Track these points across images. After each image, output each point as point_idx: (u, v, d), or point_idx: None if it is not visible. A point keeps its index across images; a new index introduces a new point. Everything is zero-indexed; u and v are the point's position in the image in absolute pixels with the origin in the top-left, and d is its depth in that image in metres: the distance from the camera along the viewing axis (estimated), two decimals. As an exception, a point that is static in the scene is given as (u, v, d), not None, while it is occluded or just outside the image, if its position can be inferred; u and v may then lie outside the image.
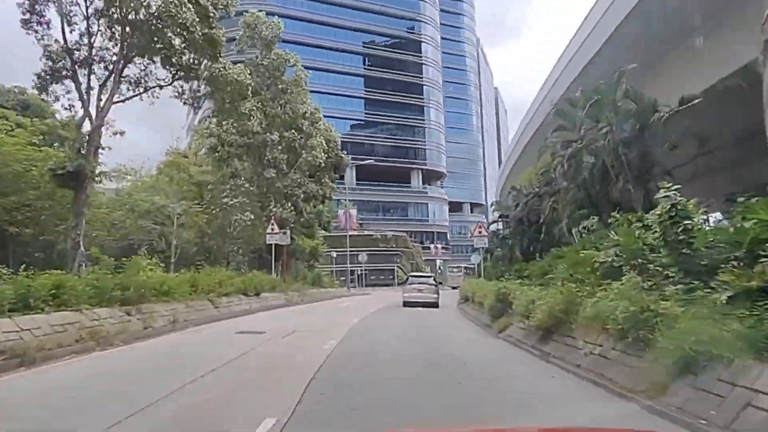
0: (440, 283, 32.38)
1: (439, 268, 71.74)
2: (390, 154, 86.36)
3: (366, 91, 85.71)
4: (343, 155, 31.19)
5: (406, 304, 23.81)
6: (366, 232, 68.89)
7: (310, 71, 33.94)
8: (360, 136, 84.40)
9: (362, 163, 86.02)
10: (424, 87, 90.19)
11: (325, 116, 32.13)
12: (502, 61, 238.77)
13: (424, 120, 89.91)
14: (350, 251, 48.01)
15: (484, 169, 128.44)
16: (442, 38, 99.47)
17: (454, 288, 44.66)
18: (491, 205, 65.21)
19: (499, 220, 37.92)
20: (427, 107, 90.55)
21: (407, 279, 28.79)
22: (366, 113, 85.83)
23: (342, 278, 57.89)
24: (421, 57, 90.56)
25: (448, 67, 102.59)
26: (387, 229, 73.89)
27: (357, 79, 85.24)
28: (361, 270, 52.86)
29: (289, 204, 28.68)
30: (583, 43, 23.77)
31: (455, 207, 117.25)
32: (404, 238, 71.14)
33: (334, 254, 48.94)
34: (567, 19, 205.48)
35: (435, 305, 23.77)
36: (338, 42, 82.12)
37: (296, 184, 29.02)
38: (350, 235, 64.80)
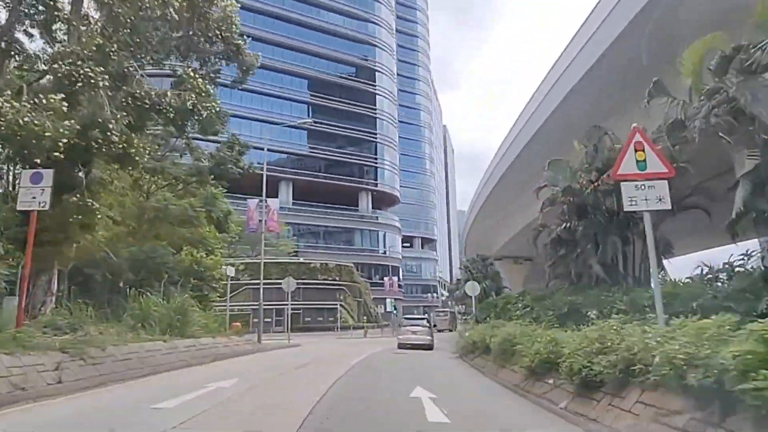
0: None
1: (394, 309, 56.79)
2: (336, 171, 72.28)
3: (312, 95, 71.93)
4: (246, 48, 15.25)
5: (400, 346, 24.75)
6: (301, 260, 53.42)
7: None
8: (301, 147, 69.88)
9: (300, 178, 71.66)
10: (377, 96, 77.62)
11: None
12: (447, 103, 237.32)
13: (376, 135, 76.86)
14: (266, 283, 32.50)
15: (447, 209, 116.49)
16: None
17: (440, 331, 40.63)
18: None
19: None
20: (380, 119, 77.76)
21: (402, 322, 30.49)
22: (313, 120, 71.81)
23: (266, 320, 41.85)
24: (375, 63, 78.36)
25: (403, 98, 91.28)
26: (329, 260, 58.86)
27: (301, 81, 71.43)
28: (290, 309, 37.28)
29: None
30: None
31: (406, 241, 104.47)
32: (350, 269, 56.22)
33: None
34: (518, 66, 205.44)
35: (430, 347, 24.97)
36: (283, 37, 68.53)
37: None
38: (277, 262, 49.31)
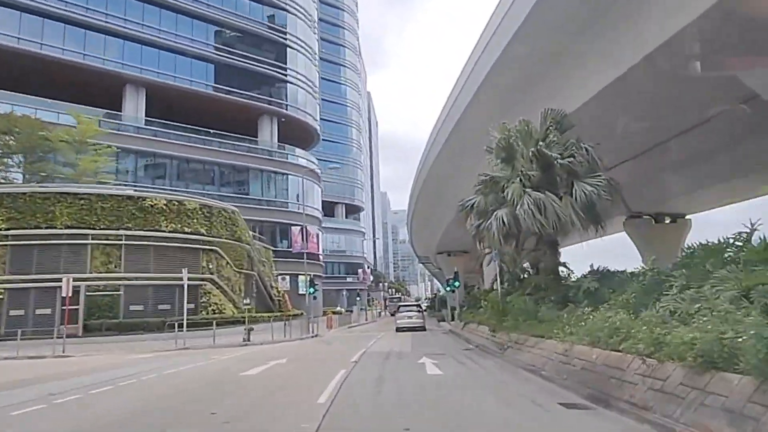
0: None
1: (313, 290, 32.18)
2: (223, 79, 46.58)
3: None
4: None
5: (399, 329, 27.08)
6: (130, 193, 27.67)
7: None
8: (163, 35, 43.40)
9: (161, 83, 44.98)
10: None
11: None
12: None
13: (285, 34, 51.63)
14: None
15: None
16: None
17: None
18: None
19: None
20: (292, 13, 52.66)
21: (398, 308, 32.33)
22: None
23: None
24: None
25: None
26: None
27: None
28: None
29: None
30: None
31: (326, 208, 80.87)
32: (229, 216, 31.45)
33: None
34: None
35: (423, 329, 27.48)
36: None
37: None
38: (63, 194, 24.11)
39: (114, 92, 41.17)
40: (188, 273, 25.18)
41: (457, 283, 33.26)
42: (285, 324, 24.08)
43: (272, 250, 43.63)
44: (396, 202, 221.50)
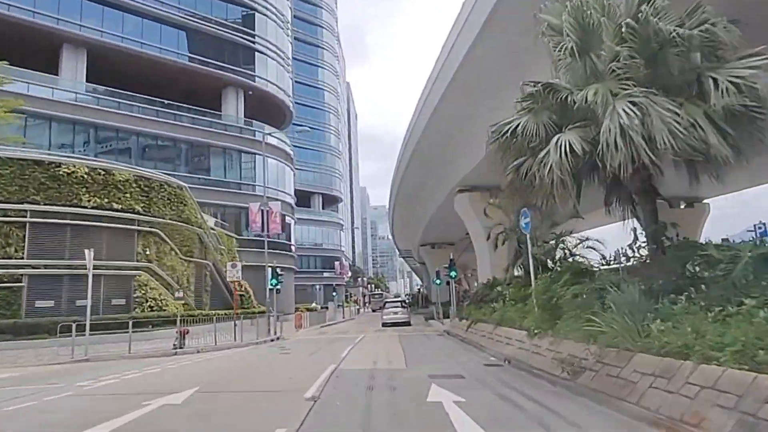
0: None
1: (277, 282, 26.66)
2: (175, 44, 40.74)
3: None
4: None
5: (384, 324, 28.47)
6: (36, 157, 21.90)
7: None
8: None
9: (106, 45, 38.90)
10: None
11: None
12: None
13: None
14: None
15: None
16: None
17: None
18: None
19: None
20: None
21: (384, 304, 35.15)
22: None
23: None
24: None
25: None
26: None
27: None
28: None
29: None
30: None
31: (302, 198, 75.78)
32: (174, 191, 25.72)
33: None
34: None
35: (408, 323, 28.75)
36: None
37: None
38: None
39: (50, 53, 35.09)
40: (119, 261, 19.65)
41: (454, 273, 28.62)
42: (235, 324, 18.64)
43: (236, 238, 38.14)
44: (376, 197, 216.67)
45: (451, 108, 19.31)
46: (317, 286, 75.55)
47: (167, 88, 39.11)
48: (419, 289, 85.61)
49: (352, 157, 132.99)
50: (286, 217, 46.84)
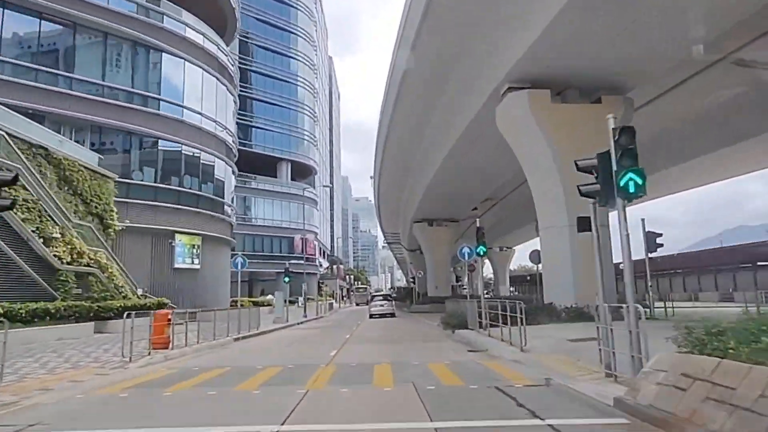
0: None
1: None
2: None
3: None
4: None
5: (372, 316, 30.25)
6: None
7: None
8: None
9: None
10: None
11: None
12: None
13: None
14: None
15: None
16: None
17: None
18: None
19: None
20: None
21: (372, 298, 37.55)
22: None
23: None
24: None
25: None
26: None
27: None
28: None
29: None
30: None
31: (266, 164, 59.82)
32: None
33: None
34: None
35: (393, 315, 30.80)
36: None
37: None
38: None
39: None
40: None
41: (482, 248, 13.61)
42: None
43: (116, 181, 21.59)
44: (358, 190, 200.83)
45: None
46: (282, 275, 58.92)
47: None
48: (410, 283, 69.59)
49: (334, 143, 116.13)
50: (219, 160, 30.18)
